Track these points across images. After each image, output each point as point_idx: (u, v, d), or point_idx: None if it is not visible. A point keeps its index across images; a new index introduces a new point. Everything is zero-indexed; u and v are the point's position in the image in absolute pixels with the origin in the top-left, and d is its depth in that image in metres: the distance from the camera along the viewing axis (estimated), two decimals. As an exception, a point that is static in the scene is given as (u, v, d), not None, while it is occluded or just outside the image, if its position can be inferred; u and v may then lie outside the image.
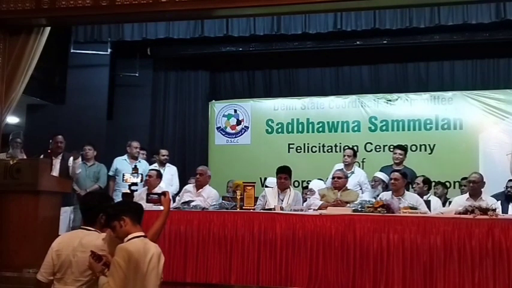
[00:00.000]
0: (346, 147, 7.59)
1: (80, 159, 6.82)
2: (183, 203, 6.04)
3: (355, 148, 7.71)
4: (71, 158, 6.70)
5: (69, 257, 3.25)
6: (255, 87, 9.50)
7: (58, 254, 3.29)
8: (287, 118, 8.95)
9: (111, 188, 7.35)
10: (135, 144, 7.49)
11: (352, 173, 6.83)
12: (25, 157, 6.45)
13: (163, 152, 7.63)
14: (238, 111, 9.15)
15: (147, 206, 5.82)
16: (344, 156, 7.00)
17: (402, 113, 8.53)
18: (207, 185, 6.45)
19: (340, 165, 6.92)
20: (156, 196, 4.05)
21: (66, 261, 3.25)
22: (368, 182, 6.95)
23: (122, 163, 7.44)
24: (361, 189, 6.83)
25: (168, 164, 7.61)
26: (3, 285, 5.15)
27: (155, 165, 7.46)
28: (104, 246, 3.27)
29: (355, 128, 8.68)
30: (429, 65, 8.87)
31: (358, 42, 8.38)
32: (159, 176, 6.59)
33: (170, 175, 7.49)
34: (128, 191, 5.83)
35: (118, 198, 6.34)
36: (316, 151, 8.75)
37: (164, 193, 3.84)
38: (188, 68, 9.53)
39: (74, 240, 3.30)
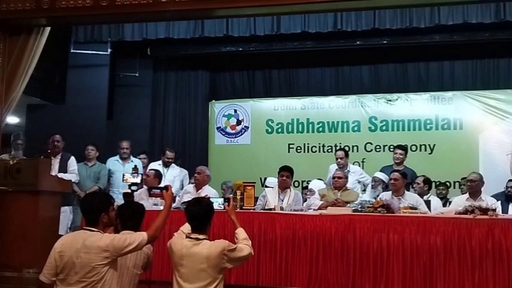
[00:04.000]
0: (337, 149, 7.57)
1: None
2: (183, 203, 6.03)
3: (348, 147, 7.84)
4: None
5: (73, 258, 3.24)
6: (255, 87, 9.50)
7: (61, 255, 3.28)
8: (287, 118, 8.94)
9: (107, 188, 7.33)
10: (124, 144, 7.46)
11: (348, 171, 6.84)
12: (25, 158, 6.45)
13: (169, 154, 7.56)
14: (238, 111, 9.15)
15: (147, 206, 5.86)
16: (337, 159, 6.98)
17: (402, 113, 8.53)
18: (207, 185, 6.45)
19: (335, 166, 6.93)
20: (159, 190, 4.03)
21: (69, 263, 3.25)
22: (366, 175, 7.05)
23: (114, 164, 7.44)
24: (359, 182, 6.89)
25: (173, 165, 7.56)
26: (3, 285, 5.15)
27: (159, 164, 7.44)
28: (107, 247, 3.27)
29: (355, 128, 8.67)
30: (429, 65, 8.86)
31: (358, 42, 8.36)
32: (157, 176, 6.56)
33: (172, 177, 7.43)
34: (129, 191, 5.83)
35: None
36: (316, 151, 8.75)
37: (166, 187, 3.83)
38: (188, 68, 9.52)
39: (77, 241, 3.29)
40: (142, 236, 3.40)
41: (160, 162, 7.54)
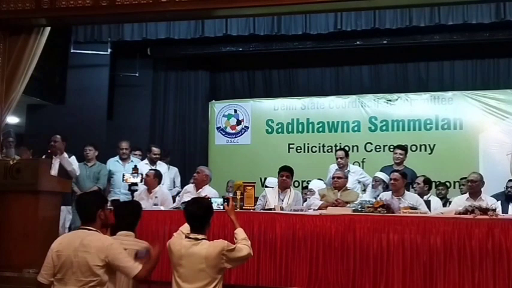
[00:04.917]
0: (337, 149, 7.58)
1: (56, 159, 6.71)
2: (183, 202, 6.04)
3: (348, 147, 7.85)
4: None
5: (70, 258, 3.24)
6: (255, 87, 9.50)
7: (58, 254, 3.27)
8: (287, 118, 8.95)
9: (107, 189, 7.33)
10: (123, 144, 7.46)
11: (348, 171, 6.84)
12: (18, 156, 6.46)
13: (155, 150, 7.53)
14: (238, 111, 9.15)
15: (147, 206, 5.87)
16: (337, 159, 6.98)
17: (402, 113, 8.54)
18: (207, 185, 6.45)
19: (335, 166, 6.94)
20: (144, 253, 3.75)
21: (67, 262, 3.24)
22: (366, 175, 7.05)
23: (114, 164, 7.43)
24: (359, 182, 6.88)
25: (159, 162, 7.52)
26: (3, 285, 5.15)
27: (146, 163, 7.42)
28: (106, 249, 3.26)
29: (355, 128, 8.68)
30: (429, 65, 8.87)
31: (358, 42, 8.37)
32: (157, 176, 6.57)
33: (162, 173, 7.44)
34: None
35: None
36: (316, 151, 8.75)
37: (148, 251, 3.63)
38: (188, 68, 9.53)
39: (75, 241, 3.28)
40: (135, 267, 3.26)
41: (146, 161, 7.50)
